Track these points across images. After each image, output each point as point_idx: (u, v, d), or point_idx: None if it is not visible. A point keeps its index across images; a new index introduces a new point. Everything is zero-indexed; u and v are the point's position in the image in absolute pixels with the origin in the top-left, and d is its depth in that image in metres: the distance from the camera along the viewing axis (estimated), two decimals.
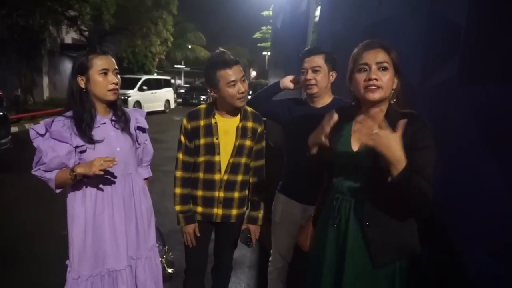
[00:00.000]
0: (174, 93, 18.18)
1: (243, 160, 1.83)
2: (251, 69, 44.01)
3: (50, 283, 2.50)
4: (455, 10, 1.46)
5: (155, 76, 18.58)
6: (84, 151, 1.51)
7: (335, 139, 1.39)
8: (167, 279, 1.83)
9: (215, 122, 1.78)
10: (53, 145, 1.47)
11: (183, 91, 23.46)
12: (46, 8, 12.59)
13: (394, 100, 1.31)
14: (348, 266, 1.29)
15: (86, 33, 16.31)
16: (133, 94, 13.86)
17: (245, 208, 1.94)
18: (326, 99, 1.88)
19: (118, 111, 1.64)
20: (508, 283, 1.18)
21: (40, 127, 1.48)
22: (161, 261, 1.79)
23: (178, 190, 1.84)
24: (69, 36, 16.82)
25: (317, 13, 4.11)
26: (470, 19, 1.37)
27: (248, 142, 1.82)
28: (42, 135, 1.48)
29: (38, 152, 1.48)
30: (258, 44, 27.59)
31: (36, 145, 1.48)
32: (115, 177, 1.56)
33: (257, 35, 26.72)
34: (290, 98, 2.04)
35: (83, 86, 1.52)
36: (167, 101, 16.45)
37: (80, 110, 1.51)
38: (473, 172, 1.32)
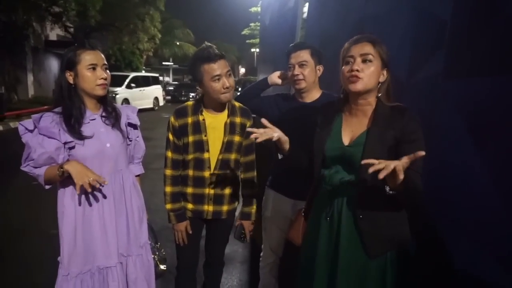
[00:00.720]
0: (163, 90, 18.01)
1: (233, 156, 1.82)
2: (239, 66, 43.88)
3: (38, 282, 2.47)
4: (441, 6, 1.49)
5: (143, 73, 18.39)
6: (73, 147, 1.49)
7: (325, 133, 1.41)
8: (159, 276, 1.83)
9: (203, 119, 1.76)
10: (41, 141, 1.45)
11: (171, 88, 23.25)
12: (29, 4, 12.31)
13: (380, 94, 1.32)
14: (341, 259, 1.31)
15: (72, 30, 16.03)
16: (121, 92, 13.68)
17: (236, 204, 1.94)
18: (314, 94, 1.90)
19: (109, 107, 1.62)
20: (494, 273, 1.22)
21: (29, 122, 1.47)
22: (154, 258, 1.78)
23: (168, 189, 1.83)
24: (54, 33, 16.50)
25: (305, 9, 4.12)
26: (455, 14, 1.40)
27: (237, 138, 1.81)
28: (31, 131, 1.46)
29: (27, 148, 1.46)
30: (247, 41, 27.46)
31: (25, 140, 1.47)
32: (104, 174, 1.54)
33: (245, 31, 26.58)
34: (279, 93, 2.04)
35: (71, 81, 1.51)
36: (156, 99, 16.30)
37: (69, 105, 1.50)
38: (459, 165, 1.35)
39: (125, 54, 19.81)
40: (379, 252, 1.29)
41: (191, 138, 1.77)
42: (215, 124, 1.78)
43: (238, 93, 2.16)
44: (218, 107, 1.78)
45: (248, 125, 1.84)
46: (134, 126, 1.74)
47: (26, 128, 1.47)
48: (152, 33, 18.97)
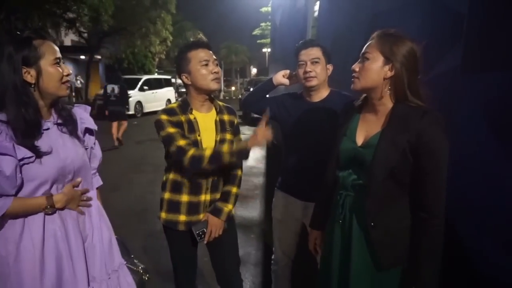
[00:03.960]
0: (175, 92, 18.15)
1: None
2: (251, 66, 43.95)
3: None
4: None
5: (156, 75, 18.57)
6: (28, 164, 1.18)
7: (342, 132, 1.37)
8: (142, 286, 1.63)
9: (194, 118, 1.65)
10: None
11: (184, 90, 23.33)
12: (44, 11, 12.60)
13: (388, 91, 1.23)
14: (353, 265, 1.27)
15: (85, 35, 16.33)
16: (134, 95, 13.83)
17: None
18: (323, 93, 1.85)
19: (63, 111, 1.33)
20: None
21: None
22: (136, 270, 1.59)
23: (208, 151, 1.53)
24: (68, 38, 16.86)
25: (316, 8, 4.07)
26: (473, 6, 1.34)
27: (228, 136, 1.70)
28: None
29: None
30: (258, 41, 27.53)
31: None
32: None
33: (256, 31, 26.61)
34: (285, 93, 1.99)
35: (30, 80, 1.21)
36: (169, 101, 16.41)
37: (23, 111, 1.18)
38: (480, 162, 1.30)
39: (138, 57, 20.08)
40: (390, 263, 1.24)
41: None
42: (205, 123, 1.68)
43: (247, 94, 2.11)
44: (206, 102, 1.69)
45: (236, 122, 1.77)
46: (90, 132, 1.45)
47: None
48: (163, 35, 19.19)
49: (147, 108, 13.69)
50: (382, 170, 1.18)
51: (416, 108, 1.18)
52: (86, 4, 13.48)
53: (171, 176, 1.69)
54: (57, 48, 1.26)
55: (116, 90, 7.66)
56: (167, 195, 1.70)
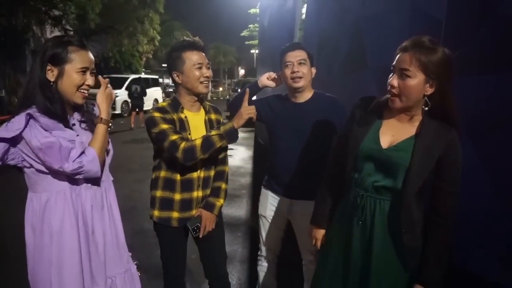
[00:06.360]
0: (163, 92, 18.05)
1: (213, 153, 1.70)
2: (239, 67, 43.94)
3: None
4: (435, 6, 1.51)
5: (143, 75, 18.43)
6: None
7: (363, 131, 1.33)
8: None
9: (185, 117, 1.69)
10: (58, 133, 1.25)
11: (171, 90, 23.29)
12: (29, 8, 12.37)
13: (427, 107, 1.21)
14: (374, 267, 1.27)
15: (71, 33, 16.09)
16: (121, 94, 13.70)
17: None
18: (307, 94, 1.90)
19: (86, 112, 1.43)
20: (493, 270, 1.22)
21: (21, 119, 1.20)
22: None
23: (198, 141, 1.58)
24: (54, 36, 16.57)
25: (304, 10, 4.14)
26: (450, 12, 1.42)
27: None
28: (21, 130, 1.21)
29: (48, 147, 1.21)
30: (246, 42, 27.51)
31: (37, 140, 1.20)
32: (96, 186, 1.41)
33: (244, 33, 26.61)
34: (270, 95, 2.03)
35: (51, 78, 1.28)
36: (156, 100, 16.31)
37: (48, 105, 1.26)
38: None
39: (125, 56, 19.85)
40: (415, 264, 1.26)
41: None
42: (196, 122, 1.72)
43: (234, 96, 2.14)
44: (195, 102, 1.73)
45: (221, 120, 1.82)
46: None
47: (18, 129, 1.20)
48: (151, 35, 19.07)
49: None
50: (419, 178, 1.19)
51: (442, 122, 1.20)
52: (73, 2, 13.29)
53: (163, 174, 1.70)
54: (91, 59, 1.33)
55: (139, 89, 11.43)
56: (159, 193, 1.72)
